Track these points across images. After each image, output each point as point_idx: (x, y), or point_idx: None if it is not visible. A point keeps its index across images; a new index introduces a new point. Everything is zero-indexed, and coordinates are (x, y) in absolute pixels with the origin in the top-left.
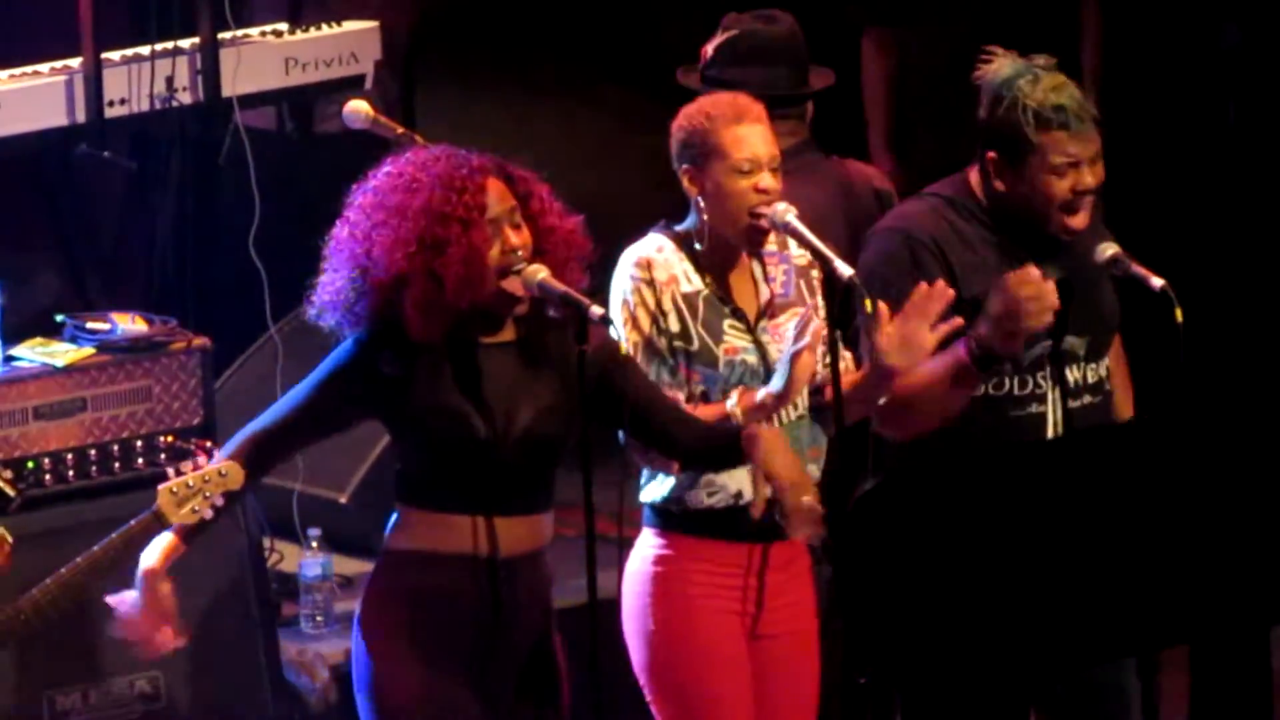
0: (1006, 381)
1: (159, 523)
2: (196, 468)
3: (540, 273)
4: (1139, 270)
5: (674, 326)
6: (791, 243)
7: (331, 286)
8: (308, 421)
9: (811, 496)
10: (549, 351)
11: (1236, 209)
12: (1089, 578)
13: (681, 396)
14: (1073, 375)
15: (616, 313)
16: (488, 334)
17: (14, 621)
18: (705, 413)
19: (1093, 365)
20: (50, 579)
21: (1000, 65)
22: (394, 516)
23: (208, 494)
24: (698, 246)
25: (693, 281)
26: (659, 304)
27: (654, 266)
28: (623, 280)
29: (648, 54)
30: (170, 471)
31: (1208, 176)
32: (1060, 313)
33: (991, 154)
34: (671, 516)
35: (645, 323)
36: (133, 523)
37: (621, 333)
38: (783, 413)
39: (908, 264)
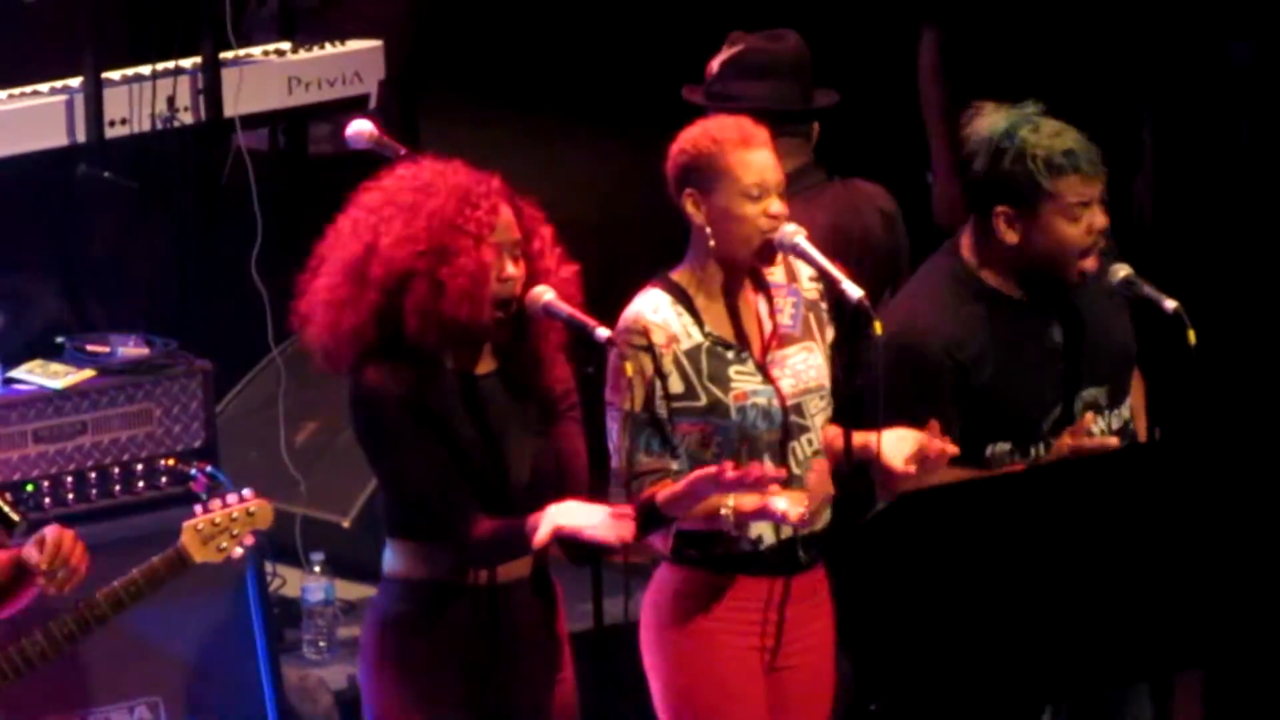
0: (1033, 450)
1: (182, 560)
2: (225, 505)
3: (547, 293)
4: (1151, 292)
5: (677, 387)
6: (801, 274)
7: (328, 284)
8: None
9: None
10: (530, 382)
11: (1249, 229)
12: (1102, 601)
13: (672, 466)
14: (1097, 428)
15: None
16: (474, 365)
17: (29, 652)
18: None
19: (1116, 410)
20: (66, 612)
21: (993, 119)
22: (389, 548)
23: (235, 532)
24: (704, 272)
25: (692, 335)
26: (659, 368)
27: (651, 331)
28: (621, 346)
29: (653, 76)
30: (196, 509)
31: (1221, 195)
32: (1067, 379)
33: (1002, 208)
34: (689, 556)
35: (637, 396)
36: (155, 559)
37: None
38: (798, 450)
39: (909, 379)
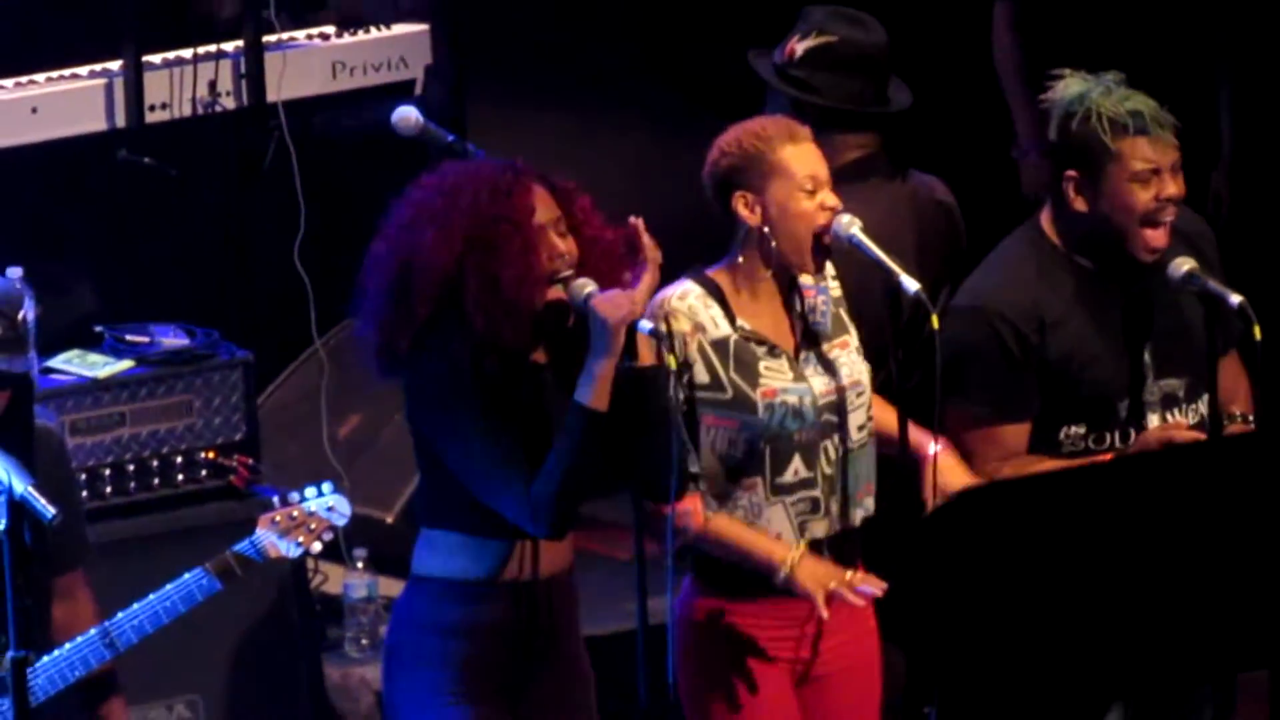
0: (1109, 436)
1: (258, 553)
2: (303, 499)
3: (588, 286)
4: (1216, 287)
5: (703, 377)
6: (827, 273)
7: (375, 309)
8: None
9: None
10: (577, 374)
11: None
12: (1166, 598)
13: (690, 467)
14: (1174, 420)
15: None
16: (527, 354)
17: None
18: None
19: (1193, 405)
20: (138, 605)
21: (1068, 84)
22: (424, 542)
23: (312, 527)
24: (750, 276)
25: (720, 327)
26: (683, 356)
27: (675, 317)
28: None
29: (706, 61)
30: (275, 500)
31: None
32: (1146, 365)
33: (1071, 172)
34: (716, 568)
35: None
36: (228, 553)
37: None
38: (830, 449)
39: (993, 350)
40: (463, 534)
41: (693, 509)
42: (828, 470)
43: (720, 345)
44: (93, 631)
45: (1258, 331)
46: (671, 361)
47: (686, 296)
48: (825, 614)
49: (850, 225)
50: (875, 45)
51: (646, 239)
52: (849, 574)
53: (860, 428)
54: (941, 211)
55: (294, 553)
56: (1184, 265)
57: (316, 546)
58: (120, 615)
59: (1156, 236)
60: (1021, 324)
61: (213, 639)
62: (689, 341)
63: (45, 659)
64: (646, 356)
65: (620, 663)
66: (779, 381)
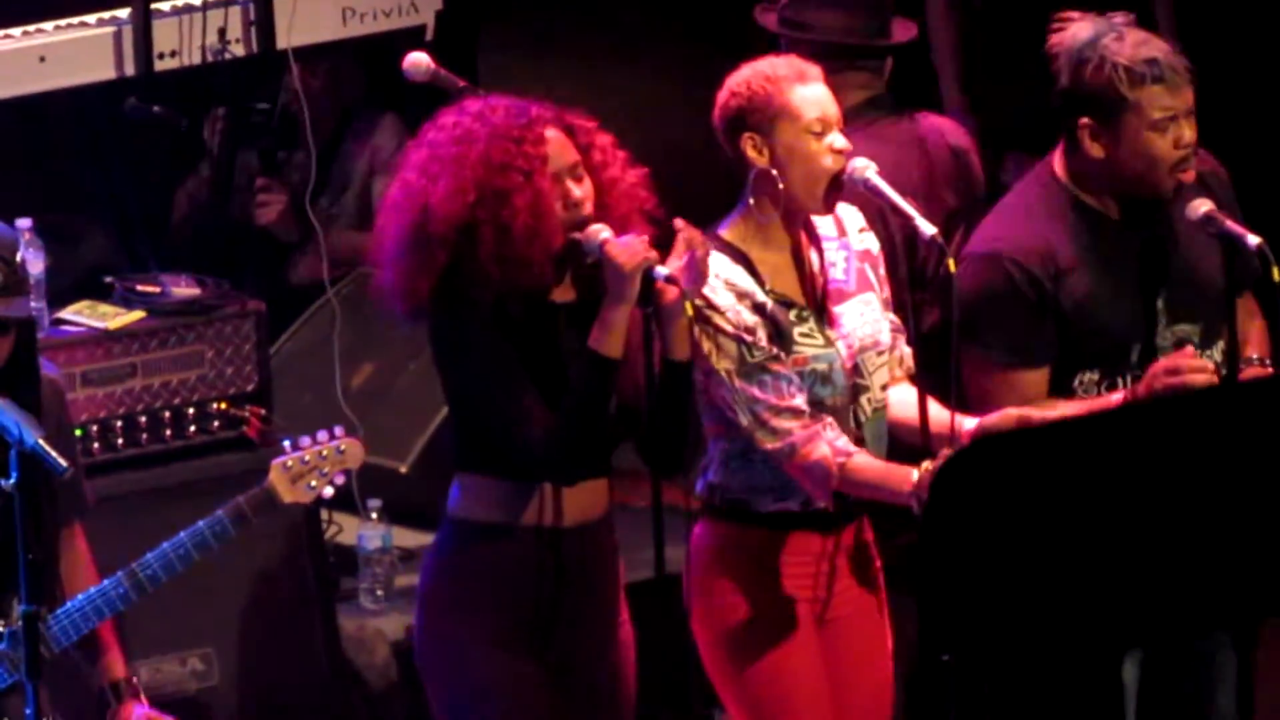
0: (1121, 381)
1: (270, 499)
2: (314, 444)
3: (602, 233)
4: (1234, 228)
5: (763, 337)
6: (850, 227)
7: (395, 253)
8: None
9: None
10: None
11: None
12: (1184, 545)
13: (798, 400)
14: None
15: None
16: (549, 294)
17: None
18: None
19: (1209, 351)
20: (151, 554)
21: (1078, 28)
22: (456, 486)
23: (325, 471)
24: (762, 221)
25: (756, 293)
26: (739, 322)
27: (716, 292)
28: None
29: (718, 6)
30: (286, 445)
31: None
32: (1160, 309)
33: (1085, 120)
34: (736, 510)
35: (731, 348)
36: (241, 499)
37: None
38: (858, 412)
39: (1009, 295)
40: (493, 478)
41: (826, 458)
42: (856, 432)
43: (759, 309)
44: (105, 582)
45: (1277, 273)
46: (689, 308)
47: (721, 270)
48: None
49: (865, 169)
50: None
51: (692, 235)
52: None
53: (884, 386)
54: (952, 154)
55: (306, 497)
56: (1202, 206)
57: (329, 490)
58: (134, 563)
59: (1186, 176)
60: (1037, 270)
61: (226, 592)
62: (739, 308)
63: (59, 610)
64: (675, 305)
65: (637, 611)
66: (810, 348)
